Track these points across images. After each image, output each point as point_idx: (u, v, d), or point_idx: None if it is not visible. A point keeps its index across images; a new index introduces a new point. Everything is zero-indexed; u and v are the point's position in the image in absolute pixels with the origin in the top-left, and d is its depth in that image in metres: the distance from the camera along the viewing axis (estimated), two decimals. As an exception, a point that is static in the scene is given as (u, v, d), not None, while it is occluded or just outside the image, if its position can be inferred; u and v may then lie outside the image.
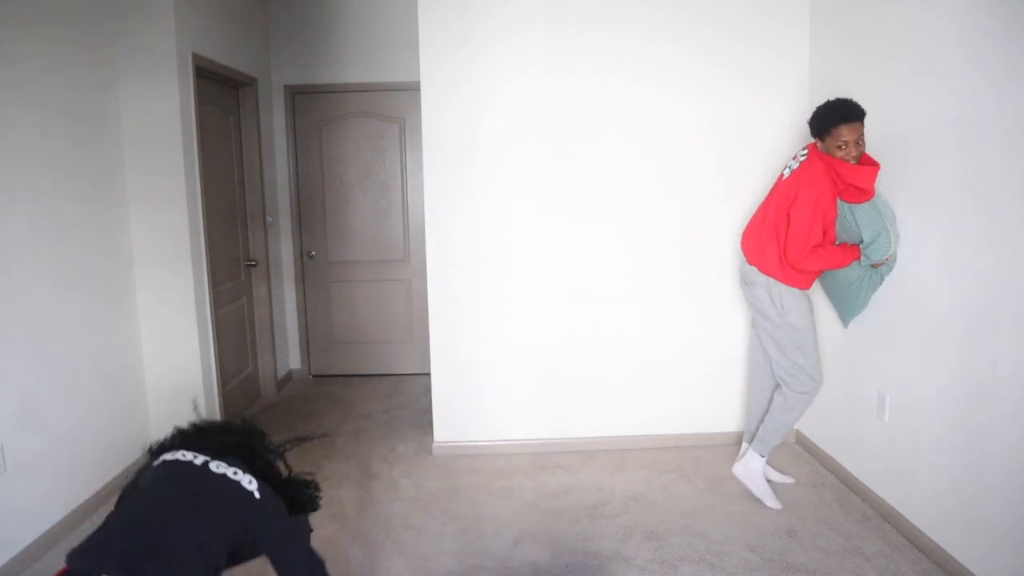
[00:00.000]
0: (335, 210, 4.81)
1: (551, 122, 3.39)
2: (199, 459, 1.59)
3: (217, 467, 1.58)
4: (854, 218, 2.70)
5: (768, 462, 3.14)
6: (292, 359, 4.95)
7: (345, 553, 2.63)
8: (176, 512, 1.48)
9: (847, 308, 2.95)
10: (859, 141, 2.60)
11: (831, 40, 3.21)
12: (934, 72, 2.49)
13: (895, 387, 2.76)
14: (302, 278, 4.89)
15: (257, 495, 1.59)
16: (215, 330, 3.66)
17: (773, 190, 2.92)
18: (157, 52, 3.25)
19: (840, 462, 3.19)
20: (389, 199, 4.82)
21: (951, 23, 2.40)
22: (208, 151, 3.66)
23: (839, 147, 2.63)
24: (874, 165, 2.64)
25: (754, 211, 3.30)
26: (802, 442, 3.56)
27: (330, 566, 2.55)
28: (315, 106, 4.72)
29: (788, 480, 3.16)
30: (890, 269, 2.74)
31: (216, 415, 3.63)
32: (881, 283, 2.79)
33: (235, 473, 1.59)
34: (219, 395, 3.66)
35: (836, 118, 2.61)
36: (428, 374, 3.70)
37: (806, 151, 2.81)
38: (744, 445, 3.21)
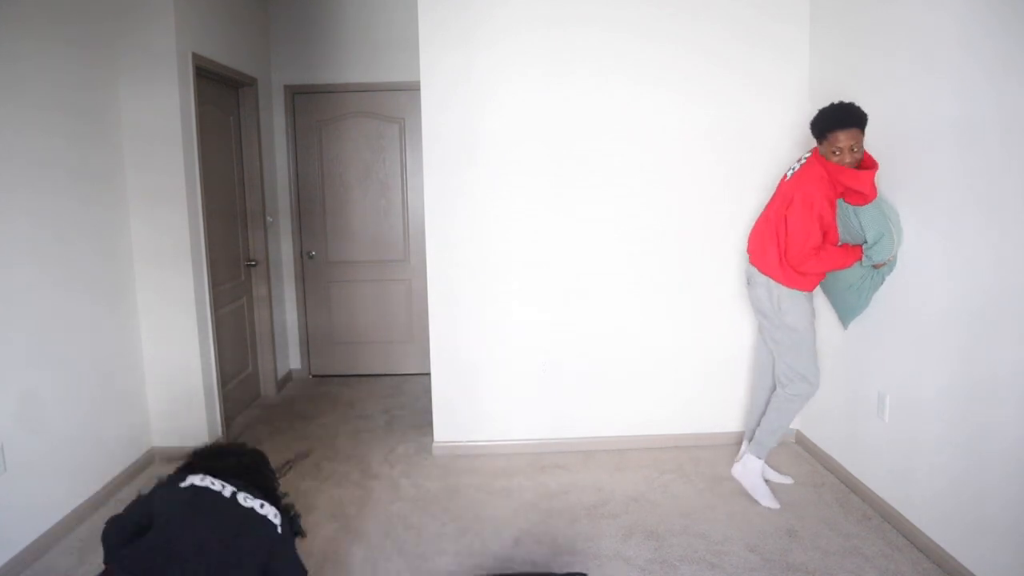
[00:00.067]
0: (335, 210, 4.81)
1: (551, 122, 3.39)
2: (227, 489, 1.63)
3: (244, 500, 1.66)
4: (858, 219, 2.70)
5: (768, 462, 3.15)
6: (292, 359, 4.95)
7: (345, 553, 2.63)
8: (213, 556, 1.56)
9: (848, 309, 2.95)
10: (854, 148, 2.58)
11: (831, 40, 3.21)
12: (934, 71, 2.49)
13: (895, 387, 2.76)
14: (302, 278, 4.89)
15: (280, 529, 1.67)
16: (215, 330, 3.66)
17: (776, 191, 2.92)
18: (157, 52, 3.25)
19: (840, 462, 3.19)
20: (389, 199, 4.81)
21: (951, 22, 2.40)
22: (208, 151, 3.66)
23: (833, 152, 2.62)
24: (871, 167, 2.64)
25: (755, 210, 3.31)
26: (802, 442, 3.56)
27: (330, 566, 2.57)
28: (315, 106, 4.72)
29: (787, 480, 3.16)
30: (891, 269, 2.74)
31: (216, 415, 3.63)
32: (882, 283, 2.79)
33: (261, 507, 1.68)
34: (219, 395, 3.66)
35: (833, 123, 2.61)
36: (428, 374, 3.70)
37: (810, 153, 2.81)
38: (744, 445, 3.22)
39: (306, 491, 3.13)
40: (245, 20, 4.19)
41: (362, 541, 2.72)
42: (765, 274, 2.89)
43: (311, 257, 4.86)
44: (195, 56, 3.44)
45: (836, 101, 2.66)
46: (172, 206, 3.34)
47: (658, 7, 3.32)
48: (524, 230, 3.46)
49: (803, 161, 2.82)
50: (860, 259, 2.72)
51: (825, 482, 3.17)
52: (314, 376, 4.99)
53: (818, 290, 3.11)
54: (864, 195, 2.63)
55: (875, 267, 2.74)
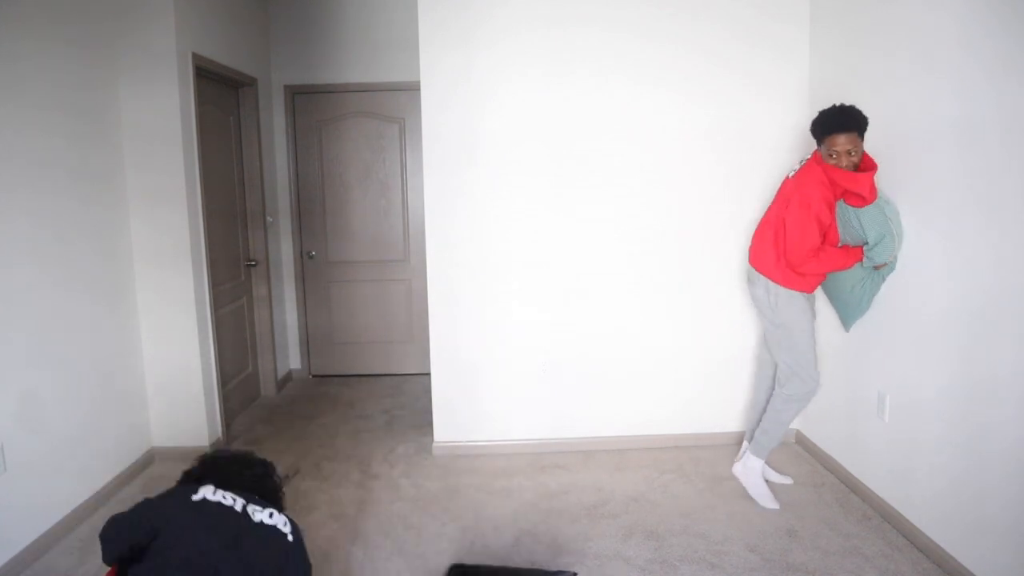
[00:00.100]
0: (335, 210, 4.81)
1: (551, 122, 3.39)
2: (238, 503, 1.64)
3: (254, 513, 1.67)
4: (858, 221, 2.70)
5: (768, 462, 3.15)
6: (292, 359, 4.95)
7: (345, 553, 2.63)
8: (227, 573, 1.58)
9: (850, 311, 2.94)
10: (851, 152, 2.58)
11: (831, 40, 3.21)
12: (935, 71, 2.49)
13: (895, 387, 2.76)
14: (302, 278, 4.89)
15: (291, 538, 1.70)
16: (215, 330, 3.66)
17: (778, 192, 2.92)
18: (157, 52, 3.25)
19: (840, 462, 3.19)
20: (389, 199, 4.81)
21: (952, 22, 2.40)
22: (208, 151, 3.66)
23: (830, 155, 2.63)
24: (870, 170, 2.63)
25: (755, 210, 3.31)
26: (802, 442, 3.56)
27: (330, 566, 2.57)
28: (315, 106, 4.72)
29: (787, 481, 3.16)
30: (891, 270, 2.73)
31: (216, 415, 3.63)
32: (882, 282, 2.79)
33: (271, 516, 1.70)
34: (219, 395, 3.66)
35: (831, 126, 2.61)
36: (428, 374, 3.70)
37: (811, 154, 2.81)
38: (745, 444, 3.22)
39: (306, 491, 3.13)
40: (245, 20, 4.19)
41: (362, 541, 2.72)
42: (761, 273, 2.89)
43: (311, 257, 4.86)
44: (195, 56, 3.44)
45: (836, 104, 2.65)
46: (172, 206, 3.34)
47: (658, 7, 3.32)
48: (524, 230, 3.46)
49: (804, 162, 2.82)
50: (861, 260, 2.72)
51: (825, 482, 3.17)
52: (314, 376, 4.99)
53: (819, 292, 3.11)
54: (862, 197, 2.63)
55: (875, 268, 2.74)
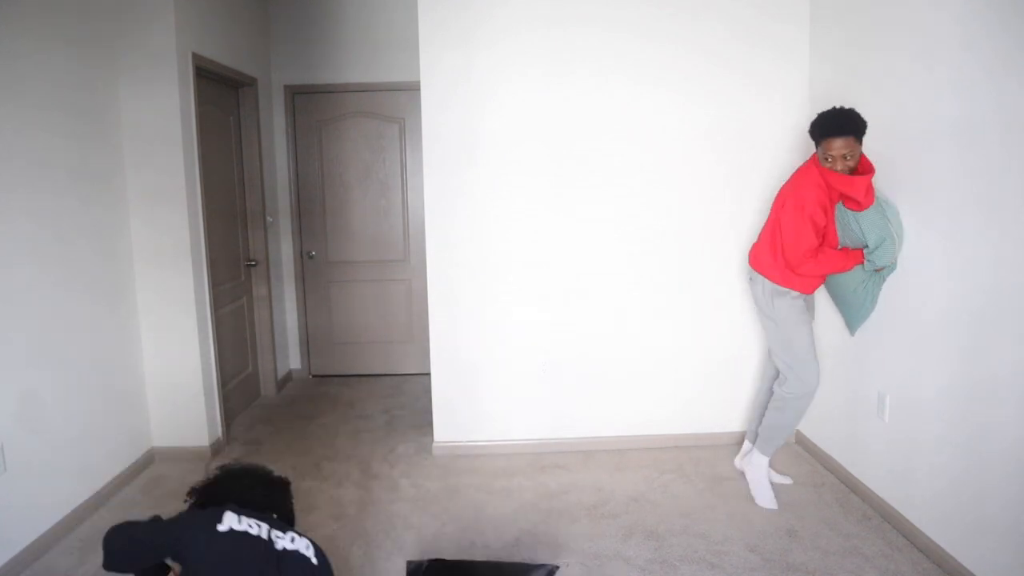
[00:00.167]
0: (335, 210, 4.81)
1: (551, 122, 3.39)
2: (263, 530, 1.64)
3: (277, 540, 1.64)
4: (858, 224, 2.68)
5: (769, 462, 3.14)
6: (292, 359, 4.95)
7: (345, 553, 2.63)
8: None
9: (854, 314, 2.92)
10: (847, 156, 2.57)
11: (831, 40, 3.21)
12: (935, 71, 2.49)
13: (895, 387, 2.76)
14: (302, 278, 4.89)
15: (315, 560, 1.68)
16: (215, 330, 3.66)
17: (778, 192, 2.92)
18: (157, 52, 3.25)
19: (840, 462, 3.19)
20: (389, 199, 4.82)
21: (952, 22, 2.40)
22: (208, 151, 3.66)
23: (826, 159, 2.62)
24: (867, 173, 2.61)
25: (755, 210, 3.32)
26: (802, 442, 3.56)
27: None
28: (315, 106, 4.72)
29: (787, 481, 3.16)
30: (892, 271, 2.73)
31: (216, 415, 3.63)
32: (883, 283, 2.78)
33: (292, 541, 1.67)
34: (219, 395, 3.66)
35: (828, 130, 2.59)
36: (428, 374, 3.70)
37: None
38: (745, 444, 3.22)
39: (306, 491, 3.13)
40: (245, 20, 4.19)
41: (362, 541, 2.73)
42: (758, 272, 2.90)
43: (311, 257, 4.86)
44: (195, 56, 3.44)
45: (836, 107, 2.63)
46: (172, 206, 3.34)
47: (658, 7, 3.32)
48: (524, 230, 3.46)
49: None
50: (861, 263, 2.71)
51: (825, 482, 3.17)
52: (314, 376, 4.99)
53: (822, 294, 3.11)
54: (857, 202, 2.62)
55: (876, 271, 2.74)
